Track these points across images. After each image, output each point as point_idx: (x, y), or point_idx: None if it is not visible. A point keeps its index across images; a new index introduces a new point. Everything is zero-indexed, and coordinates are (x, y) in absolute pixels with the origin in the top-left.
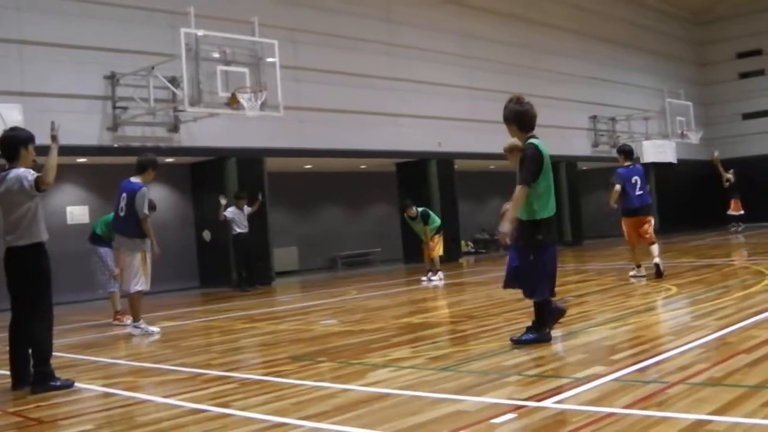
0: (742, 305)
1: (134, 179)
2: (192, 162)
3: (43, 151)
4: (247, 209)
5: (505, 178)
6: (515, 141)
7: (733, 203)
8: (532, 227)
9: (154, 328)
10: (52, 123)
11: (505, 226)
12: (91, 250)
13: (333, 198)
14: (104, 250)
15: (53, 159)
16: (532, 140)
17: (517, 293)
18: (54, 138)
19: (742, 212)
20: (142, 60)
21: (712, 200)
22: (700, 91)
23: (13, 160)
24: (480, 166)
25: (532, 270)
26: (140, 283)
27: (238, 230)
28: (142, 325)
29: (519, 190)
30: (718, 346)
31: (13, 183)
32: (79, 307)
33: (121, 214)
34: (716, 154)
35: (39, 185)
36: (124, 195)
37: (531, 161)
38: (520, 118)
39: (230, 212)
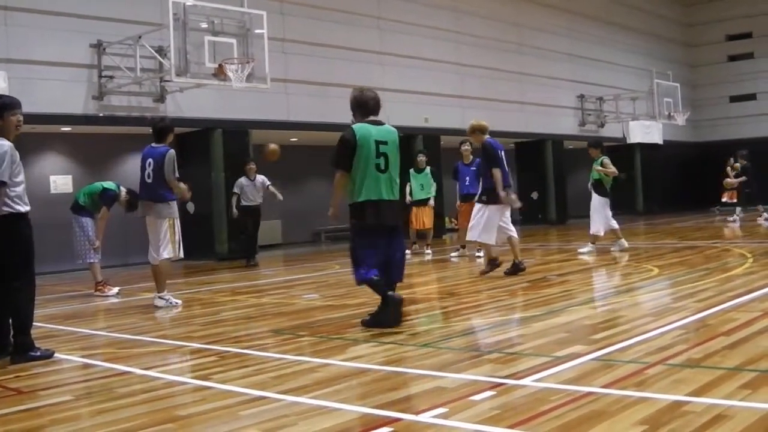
0: (723, 288)
1: (158, 145)
2: (178, 133)
3: (31, 119)
4: (264, 180)
5: None
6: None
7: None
8: (350, 211)
9: (178, 300)
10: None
11: (330, 210)
12: (72, 219)
13: (318, 172)
14: (86, 220)
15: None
16: (356, 124)
17: (498, 270)
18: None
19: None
20: (130, 29)
21: (697, 182)
22: (689, 72)
23: None
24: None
25: (351, 252)
26: (168, 251)
27: (244, 203)
28: (167, 296)
29: (337, 174)
30: (697, 328)
31: None
32: (60, 278)
33: (148, 180)
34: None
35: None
36: (150, 161)
37: (337, 146)
38: (354, 104)
39: (237, 186)
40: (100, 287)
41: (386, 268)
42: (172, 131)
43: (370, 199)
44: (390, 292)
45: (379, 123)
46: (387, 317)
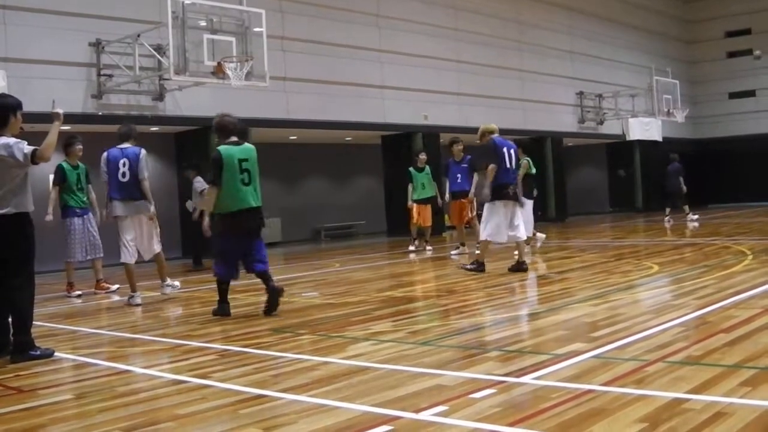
0: (723, 285)
1: (124, 146)
2: (176, 131)
3: (30, 118)
4: None
5: None
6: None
7: None
8: (219, 219)
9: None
10: (53, 102)
11: (206, 222)
12: (71, 223)
13: (317, 170)
14: (87, 217)
15: (54, 135)
16: (221, 146)
17: (499, 268)
18: (57, 115)
19: None
20: (128, 27)
21: (697, 179)
22: (688, 69)
23: (1, 127)
24: (465, 140)
25: (220, 254)
26: (159, 244)
27: None
28: (170, 282)
29: (208, 189)
30: (697, 325)
31: (2, 152)
32: (61, 277)
33: (124, 180)
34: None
35: (36, 159)
36: (125, 160)
37: (210, 166)
38: (216, 128)
39: None
40: (101, 284)
41: (250, 262)
42: (135, 136)
43: (240, 208)
44: (271, 283)
45: (240, 143)
46: (226, 309)
